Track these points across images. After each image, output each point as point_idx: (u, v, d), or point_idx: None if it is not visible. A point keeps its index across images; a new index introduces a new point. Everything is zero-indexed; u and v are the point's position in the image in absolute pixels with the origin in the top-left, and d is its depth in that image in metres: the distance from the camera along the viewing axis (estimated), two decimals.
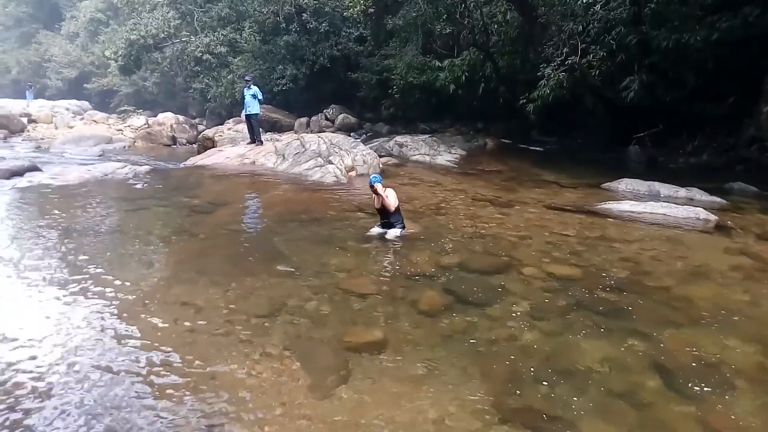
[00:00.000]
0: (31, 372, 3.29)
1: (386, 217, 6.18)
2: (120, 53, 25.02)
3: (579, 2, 12.06)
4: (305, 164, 10.35)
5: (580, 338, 3.81)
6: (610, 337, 3.82)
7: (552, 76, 11.88)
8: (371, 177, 6.43)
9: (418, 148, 13.76)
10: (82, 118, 23.80)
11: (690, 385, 3.28)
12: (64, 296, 4.41)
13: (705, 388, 3.25)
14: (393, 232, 6.11)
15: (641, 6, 11.21)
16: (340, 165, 10.14)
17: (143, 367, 3.36)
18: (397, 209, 6.18)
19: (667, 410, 3.05)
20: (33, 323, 3.92)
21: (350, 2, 17.76)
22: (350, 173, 10.03)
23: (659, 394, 3.19)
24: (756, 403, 3.11)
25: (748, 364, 3.52)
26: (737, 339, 3.84)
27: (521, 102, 12.94)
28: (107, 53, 27.64)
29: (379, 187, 6.13)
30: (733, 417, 3.01)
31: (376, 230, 6.23)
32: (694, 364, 3.50)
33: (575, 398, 3.11)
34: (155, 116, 22.65)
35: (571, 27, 12.05)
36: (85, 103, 29.57)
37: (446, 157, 13.27)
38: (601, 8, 11.75)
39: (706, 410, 3.06)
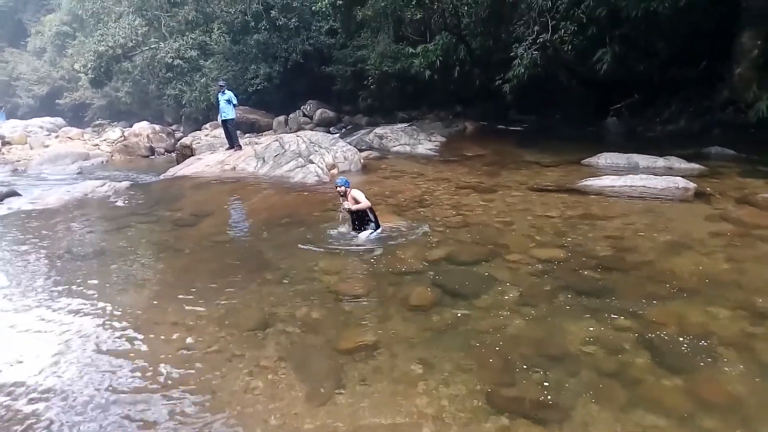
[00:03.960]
0: (29, 398, 3.28)
1: (359, 219, 5.97)
2: (89, 66, 24.44)
3: None
4: (286, 166, 10.29)
5: (569, 321, 3.87)
6: (598, 318, 3.89)
7: (525, 55, 11.87)
8: (338, 180, 6.13)
9: (398, 138, 13.75)
10: (57, 136, 23.21)
11: (678, 358, 3.36)
12: (56, 324, 4.37)
13: (693, 361, 3.33)
14: (364, 235, 5.92)
15: None
16: (321, 164, 10.10)
17: (140, 390, 3.37)
18: (371, 209, 5.98)
19: (658, 386, 3.12)
20: (26, 352, 3.88)
21: None
22: (332, 171, 9.99)
23: (649, 371, 3.26)
24: (743, 370, 3.19)
25: (734, 333, 3.61)
26: (722, 308, 3.93)
27: (497, 83, 12.93)
28: (77, 66, 26.96)
29: (350, 191, 5.93)
30: (721, 386, 3.09)
31: (343, 230, 6.10)
32: (681, 338, 3.58)
33: (567, 383, 3.17)
34: (131, 126, 22.21)
35: (540, 3, 12.02)
36: (59, 120, 28.80)
37: (426, 145, 13.28)
38: None
39: (695, 382, 3.14)
